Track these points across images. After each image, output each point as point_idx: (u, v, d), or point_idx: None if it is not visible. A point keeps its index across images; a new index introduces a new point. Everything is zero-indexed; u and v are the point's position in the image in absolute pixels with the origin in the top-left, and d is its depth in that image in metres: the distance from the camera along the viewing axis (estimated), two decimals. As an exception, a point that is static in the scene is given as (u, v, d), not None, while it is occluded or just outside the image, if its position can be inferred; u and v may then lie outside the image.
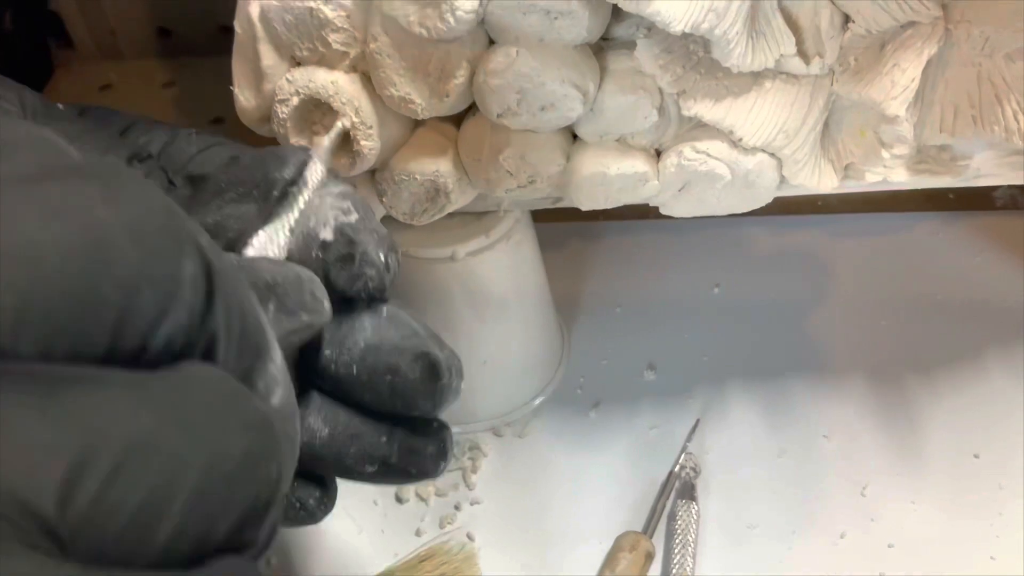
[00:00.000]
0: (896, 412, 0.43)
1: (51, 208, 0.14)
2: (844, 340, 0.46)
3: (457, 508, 0.41)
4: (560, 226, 0.50)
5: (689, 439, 0.42)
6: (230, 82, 0.69)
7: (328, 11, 0.30)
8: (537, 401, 0.45)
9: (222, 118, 0.62)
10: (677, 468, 0.40)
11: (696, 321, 0.47)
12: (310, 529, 0.38)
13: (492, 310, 0.41)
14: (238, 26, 0.32)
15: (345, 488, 0.25)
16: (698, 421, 0.42)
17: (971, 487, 0.40)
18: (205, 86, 0.64)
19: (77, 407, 0.13)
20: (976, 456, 0.41)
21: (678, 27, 0.28)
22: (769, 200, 0.34)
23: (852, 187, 0.34)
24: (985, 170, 0.36)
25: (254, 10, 0.31)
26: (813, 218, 0.50)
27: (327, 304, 0.21)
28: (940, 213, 0.51)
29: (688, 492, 0.40)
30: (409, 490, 0.41)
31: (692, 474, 0.40)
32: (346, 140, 0.32)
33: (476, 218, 0.38)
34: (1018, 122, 0.32)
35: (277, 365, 0.17)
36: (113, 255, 0.14)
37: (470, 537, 0.40)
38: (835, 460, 0.41)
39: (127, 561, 0.13)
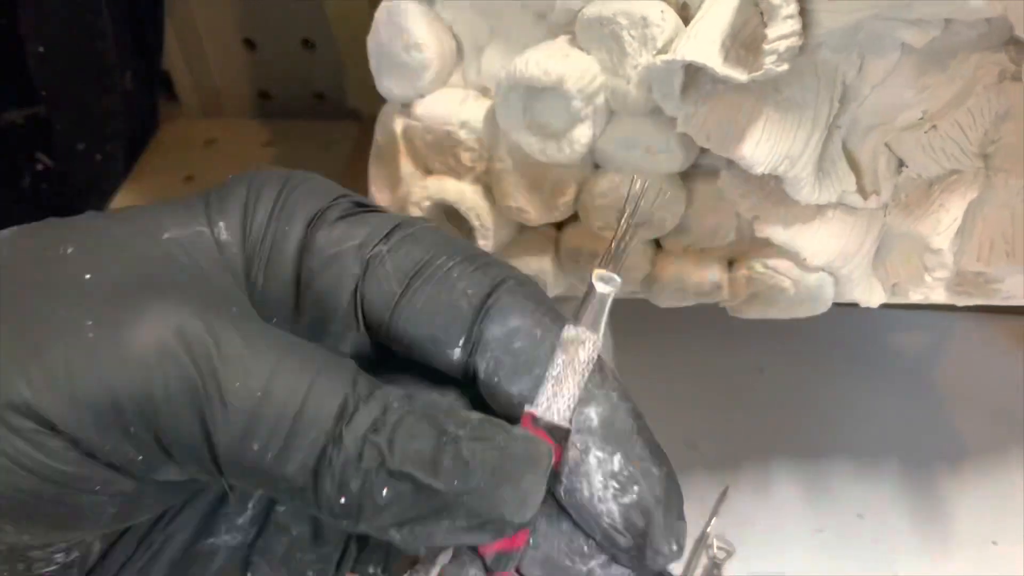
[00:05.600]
0: (926, 497, 0.47)
1: None
2: (880, 426, 0.50)
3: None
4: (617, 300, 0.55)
5: (719, 504, 0.46)
6: (323, 145, 0.75)
7: (463, 134, 0.35)
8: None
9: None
10: (709, 538, 0.45)
11: (740, 401, 0.52)
12: None
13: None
14: (379, 135, 0.38)
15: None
16: (727, 488, 0.47)
17: (989, 571, 0.44)
18: (301, 147, 0.70)
19: None
20: (995, 543, 0.45)
21: (759, 170, 0.33)
22: (825, 310, 0.39)
23: (897, 302, 0.39)
24: (1015, 292, 0.41)
25: (398, 126, 0.36)
26: (857, 309, 0.55)
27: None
28: (980, 314, 0.55)
29: (716, 572, 0.44)
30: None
31: (724, 554, 0.45)
32: (463, 233, 0.37)
33: (559, 302, 0.43)
34: (1046, 258, 0.37)
35: None
36: None
37: None
38: (868, 539, 0.45)
39: None
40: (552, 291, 0.40)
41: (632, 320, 0.55)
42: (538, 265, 0.38)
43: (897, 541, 0.45)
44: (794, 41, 0.30)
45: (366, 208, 0.24)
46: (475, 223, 0.36)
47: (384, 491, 0.20)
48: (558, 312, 0.24)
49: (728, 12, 0.31)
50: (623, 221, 0.23)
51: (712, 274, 0.38)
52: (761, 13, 0.31)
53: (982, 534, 0.46)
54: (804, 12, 0.31)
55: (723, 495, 0.47)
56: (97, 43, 0.62)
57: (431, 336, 0.23)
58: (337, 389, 0.21)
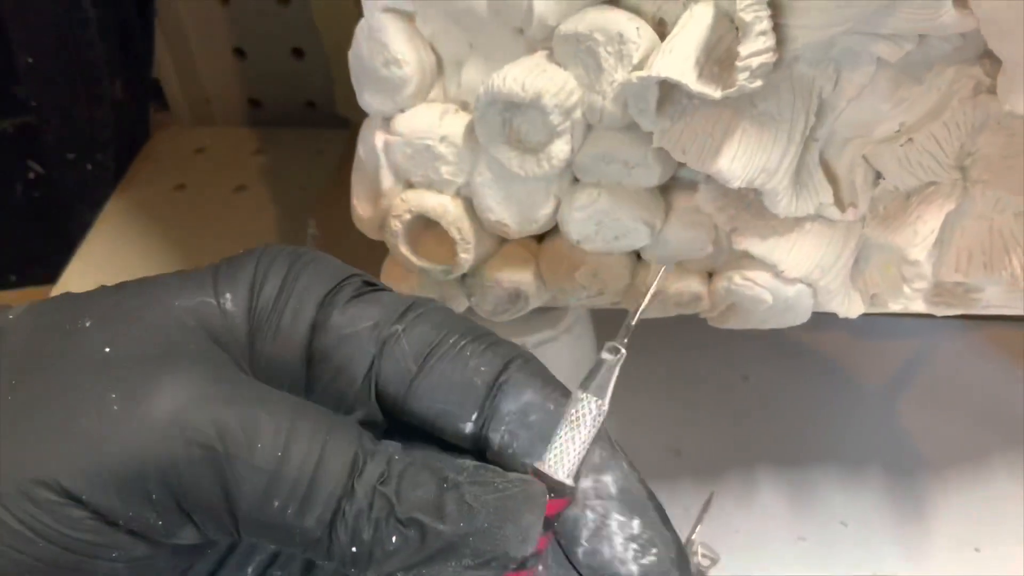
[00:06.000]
0: (909, 504, 0.47)
1: None
2: (864, 433, 0.51)
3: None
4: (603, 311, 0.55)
5: (704, 511, 0.46)
6: (313, 152, 0.75)
7: (442, 148, 0.35)
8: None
9: (304, 186, 0.68)
10: (693, 545, 0.45)
11: (724, 408, 0.52)
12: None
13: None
14: (361, 149, 0.38)
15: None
16: (711, 495, 0.47)
17: (972, 578, 0.45)
18: (291, 155, 0.70)
19: None
20: (977, 550, 0.46)
21: (736, 184, 0.33)
22: (804, 320, 0.39)
23: (876, 312, 0.40)
24: (995, 302, 0.41)
25: (379, 141, 0.37)
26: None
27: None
28: (963, 321, 0.56)
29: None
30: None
31: (708, 562, 0.45)
32: (444, 246, 0.38)
33: (543, 312, 0.44)
34: (1022, 271, 0.37)
35: None
36: None
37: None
38: (852, 546, 0.46)
39: None
40: (533, 303, 0.40)
41: (616, 327, 0.55)
42: (519, 278, 0.39)
43: (880, 548, 0.46)
44: (767, 58, 0.30)
45: (375, 287, 0.26)
46: (456, 236, 0.37)
47: (393, 538, 0.22)
48: (564, 386, 0.25)
49: (703, 28, 0.31)
50: (636, 309, 0.27)
51: (691, 285, 0.38)
52: (736, 29, 0.31)
53: (965, 541, 0.46)
54: (778, 27, 0.31)
55: (707, 502, 0.47)
56: (86, 53, 0.62)
57: (445, 411, 0.25)
58: (348, 445, 0.22)
